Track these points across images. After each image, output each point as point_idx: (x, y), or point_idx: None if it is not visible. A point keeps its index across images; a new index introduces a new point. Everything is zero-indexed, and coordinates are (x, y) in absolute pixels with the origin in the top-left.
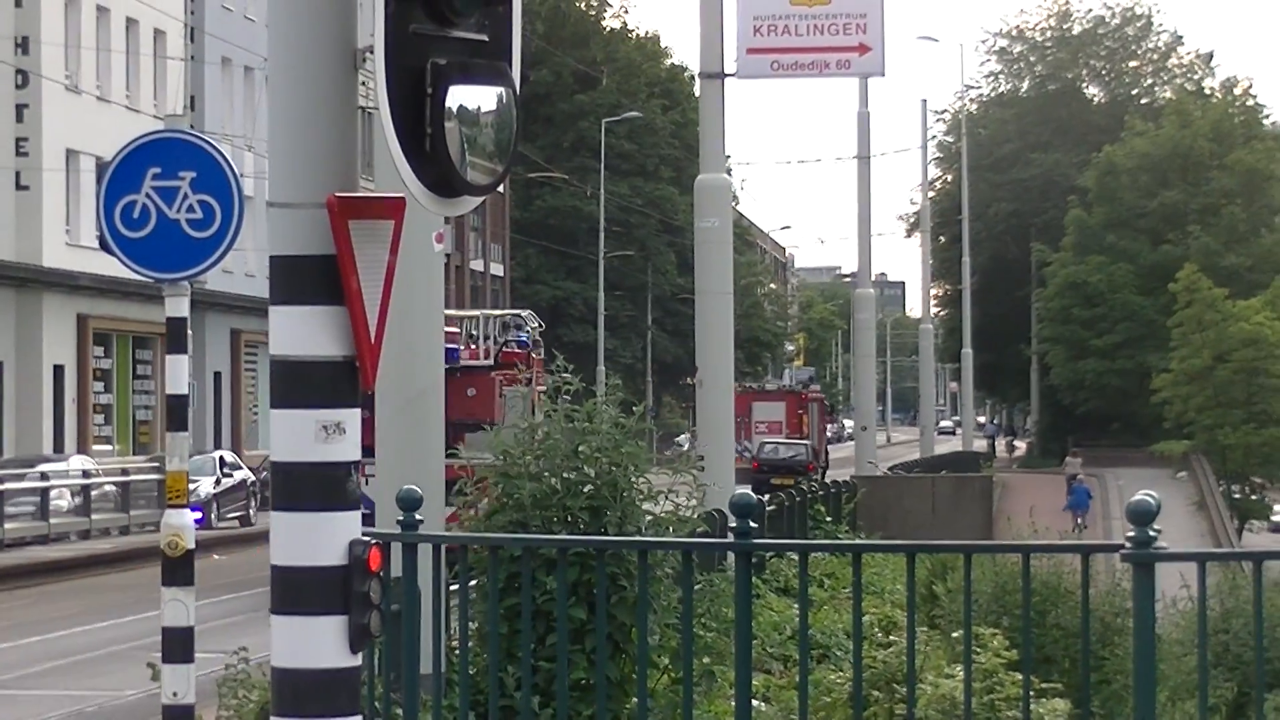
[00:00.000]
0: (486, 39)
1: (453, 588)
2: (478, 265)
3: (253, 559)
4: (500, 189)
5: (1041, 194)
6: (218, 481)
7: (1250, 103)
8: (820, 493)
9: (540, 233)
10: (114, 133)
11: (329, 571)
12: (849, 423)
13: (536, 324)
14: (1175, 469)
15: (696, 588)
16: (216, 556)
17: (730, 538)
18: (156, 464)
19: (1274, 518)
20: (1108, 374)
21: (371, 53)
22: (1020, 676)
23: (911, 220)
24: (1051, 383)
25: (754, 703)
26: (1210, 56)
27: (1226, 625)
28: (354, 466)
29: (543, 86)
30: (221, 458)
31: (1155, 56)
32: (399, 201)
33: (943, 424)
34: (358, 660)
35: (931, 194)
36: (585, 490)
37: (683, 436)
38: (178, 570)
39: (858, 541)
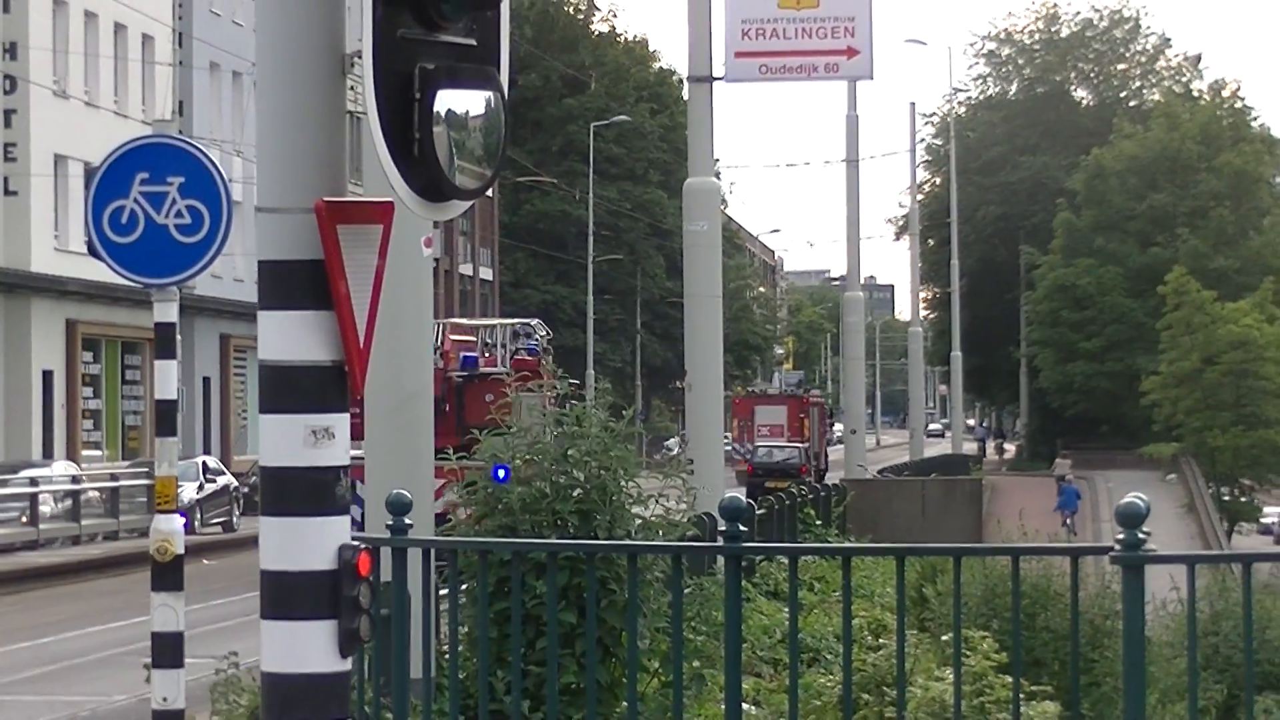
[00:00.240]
0: (474, 43)
1: (442, 592)
2: (467, 269)
3: (242, 563)
4: (489, 193)
5: (1030, 197)
6: (201, 487)
7: (1238, 105)
8: (810, 496)
9: (529, 237)
10: (102, 138)
11: (318, 576)
12: (839, 426)
13: (545, 332)
14: (1165, 471)
15: (686, 591)
16: (206, 561)
17: (720, 541)
18: (144, 469)
19: (1263, 520)
20: (1097, 376)
21: (360, 57)
22: (1010, 679)
23: (900, 223)
24: (1040, 385)
25: (744, 706)
26: (1198, 59)
27: (1216, 627)
28: (343, 471)
29: (531, 90)
30: (204, 463)
31: (1143, 59)
32: (387, 206)
33: (931, 427)
34: (347, 665)
35: (920, 197)
36: (575, 494)
37: (672, 440)
38: (167, 575)
39: (847, 545)
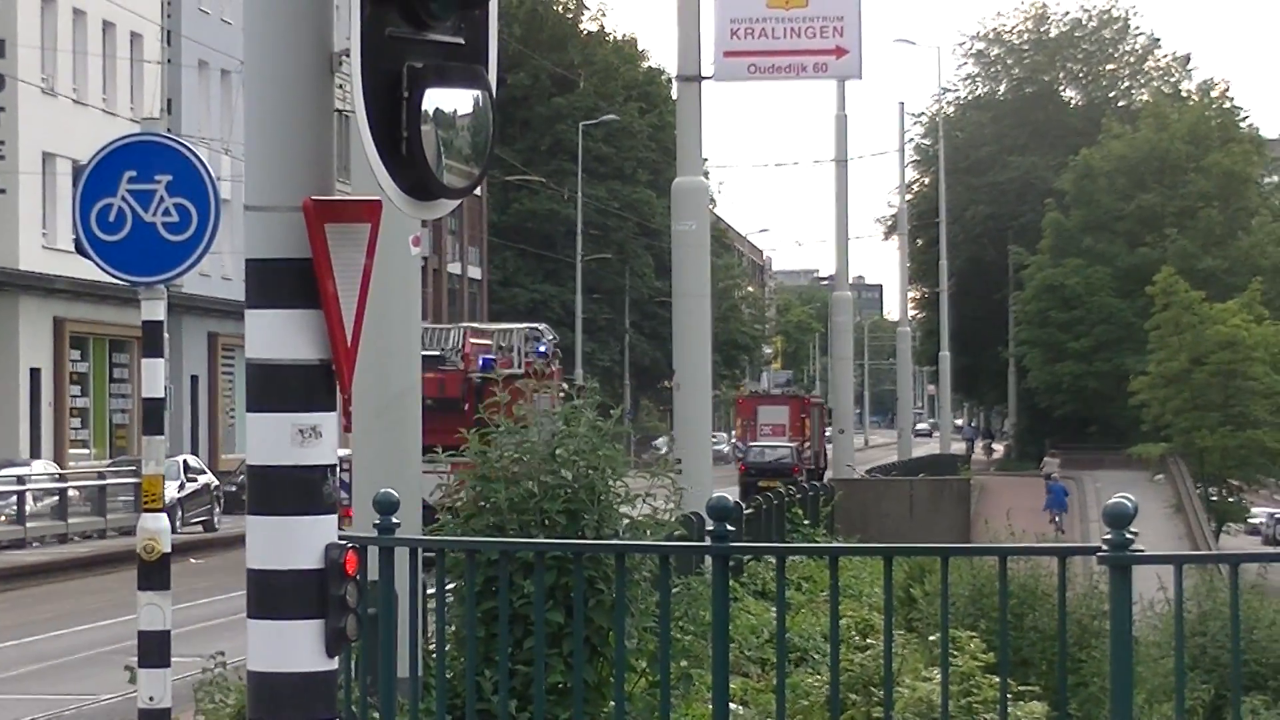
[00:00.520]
0: (463, 42)
1: (430, 591)
2: (455, 268)
3: (230, 562)
4: (477, 192)
5: (1019, 197)
6: (182, 486)
7: (1227, 105)
8: (799, 496)
9: (518, 236)
10: (90, 136)
11: (305, 575)
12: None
13: (552, 336)
14: (1153, 471)
15: (674, 591)
16: (194, 560)
17: (707, 541)
18: (129, 468)
19: (1251, 520)
20: (1085, 376)
21: (348, 56)
22: (998, 679)
23: (889, 223)
24: (1029, 385)
25: (731, 706)
26: (1187, 59)
27: (1204, 628)
28: (330, 470)
29: (520, 89)
30: (185, 462)
31: (1132, 59)
32: (375, 205)
33: (919, 426)
34: (334, 664)
35: (909, 197)
36: (563, 494)
37: (661, 439)
38: (154, 574)
39: (835, 544)
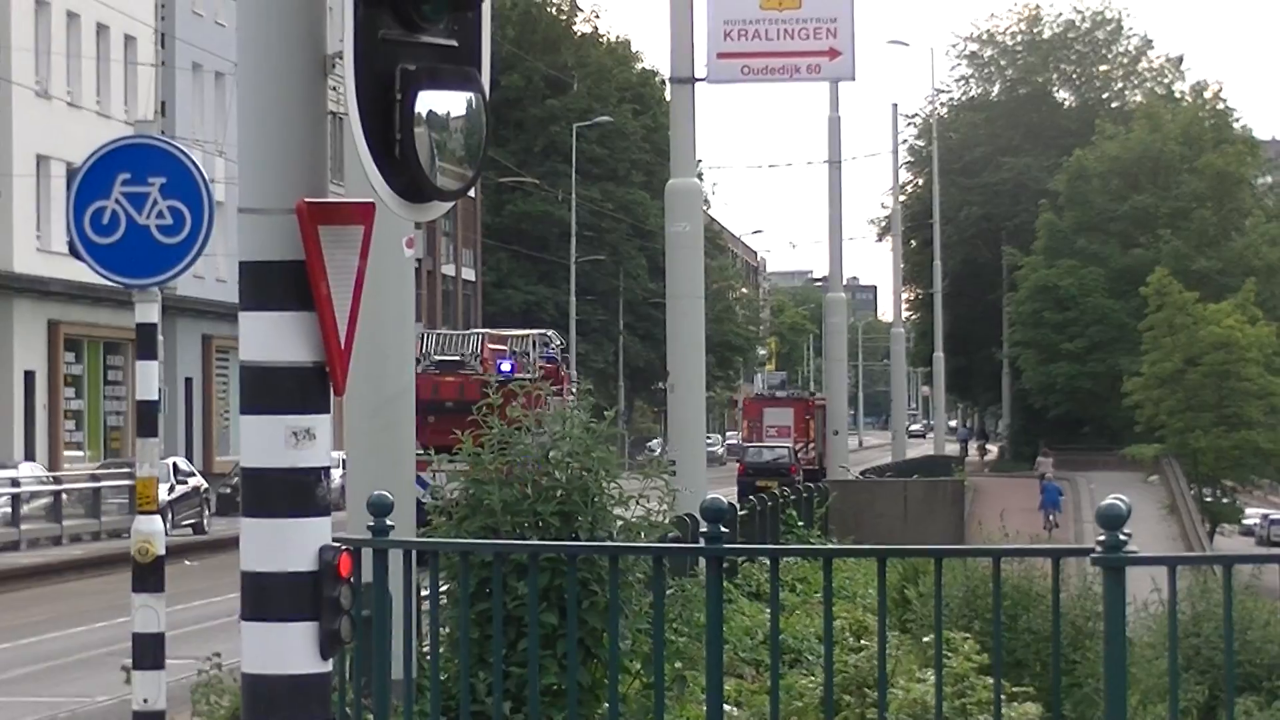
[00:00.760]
0: (456, 44)
1: (424, 593)
2: (449, 270)
3: (224, 564)
4: (471, 194)
5: (1012, 198)
6: (172, 489)
7: (1220, 106)
8: (793, 497)
9: (512, 237)
10: (84, 138)
11: (299, 577)
12: None
13: (560, 342)
14: (1147, 473)
15: (668, 593)
16: (188, 562)
17: (701, 543)
18: (123, 469)
19: (1245, 521)
20: (1079, 377)
21: (341, 58)
22: (991, 681)
23: (883, 224)
24: (1023, 386)
25: (725, 707)
26: (1180, 60)
27: (1197, 629)
28: (324, 472)
29: (513, 91)
30: (175, 464)
31: (1125, 60)
32: (369, 207)
33: (913, 428)
34: (328, 666)
35: (902, 198)
36: (556, 495)
37: (655, 441)
38: (148, 576)
39: (829, 546)
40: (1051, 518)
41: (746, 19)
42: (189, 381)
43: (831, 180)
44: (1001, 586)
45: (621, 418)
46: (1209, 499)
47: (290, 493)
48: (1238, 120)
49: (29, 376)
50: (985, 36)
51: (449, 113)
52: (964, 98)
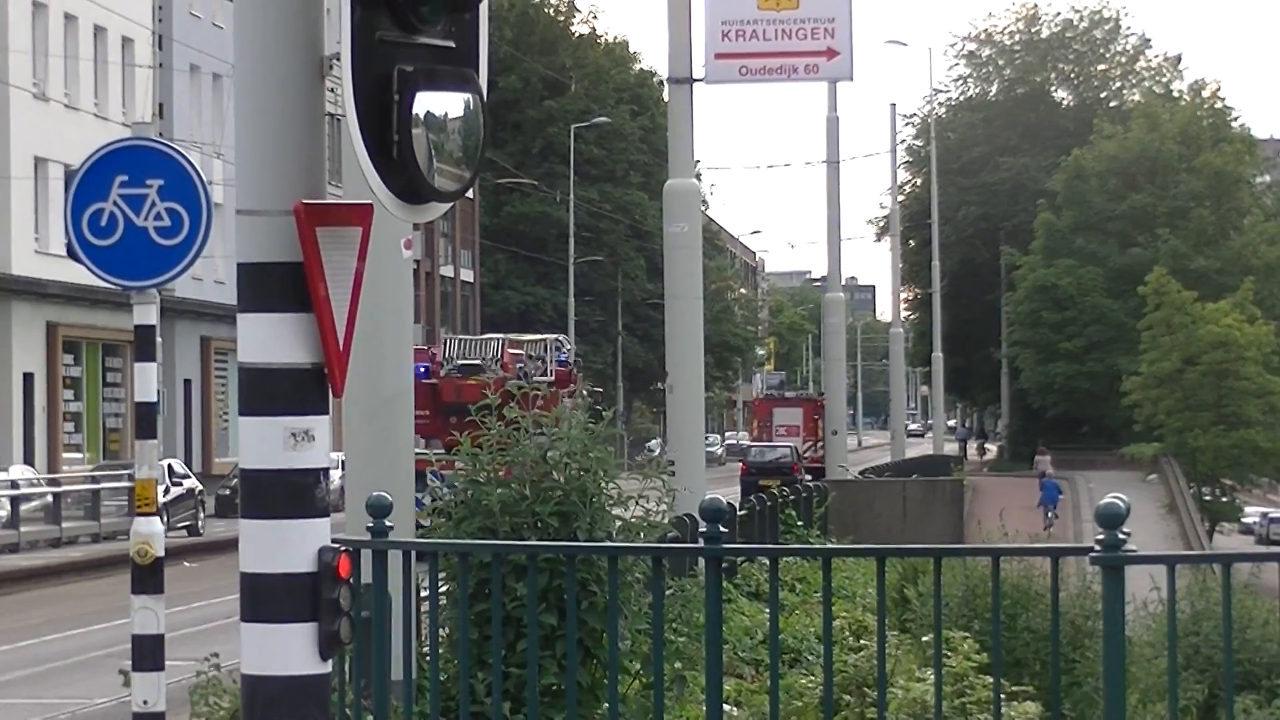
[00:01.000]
0: (453, 45)
1: (423, 594)
2: (447, 271)
3: (223, 565)
4: (469, 195)
5: (1010, 198)
6: (166, 491)
7: (1218, 105)
8: (792, 497)
9: (510, 238)
10: (82, 140)
11: (298, 578)
12: None
13: (570, 346)
14: (1146, 472)
15: (667, 593)
16: (188, 564)
17: (701, 543)
18: (120, 471)
19: (1244, 520)
20: (1077, 377)
21: (338, 60)
22: (991, 680)
23: (881, 224)
24: (1021, 386)
25: (725, 707)
26: (1178, 59)
27: (1197, 627)
28: (323, 474)
29: (511, 92)
30: (170, 466)
31: (1123, 60)
32: (366, 208)
33: (912, 427)
34: (328, 667)
35: (901, 198)
36: (555, 496)
37: (654, 442)
38: (147, 578)
39: (828, 546)
40: (1051, 514)
41: (744, 19)
42: (188, 383)
43: (830, 180)
44: (1001, 586)
45: (620, 418)
46: (1208, 498)
47: (289, 494)
48: (1236, 119)
49: (28, 378)
50: (983, 36)
51: (447, 114)
52: (962, 97)
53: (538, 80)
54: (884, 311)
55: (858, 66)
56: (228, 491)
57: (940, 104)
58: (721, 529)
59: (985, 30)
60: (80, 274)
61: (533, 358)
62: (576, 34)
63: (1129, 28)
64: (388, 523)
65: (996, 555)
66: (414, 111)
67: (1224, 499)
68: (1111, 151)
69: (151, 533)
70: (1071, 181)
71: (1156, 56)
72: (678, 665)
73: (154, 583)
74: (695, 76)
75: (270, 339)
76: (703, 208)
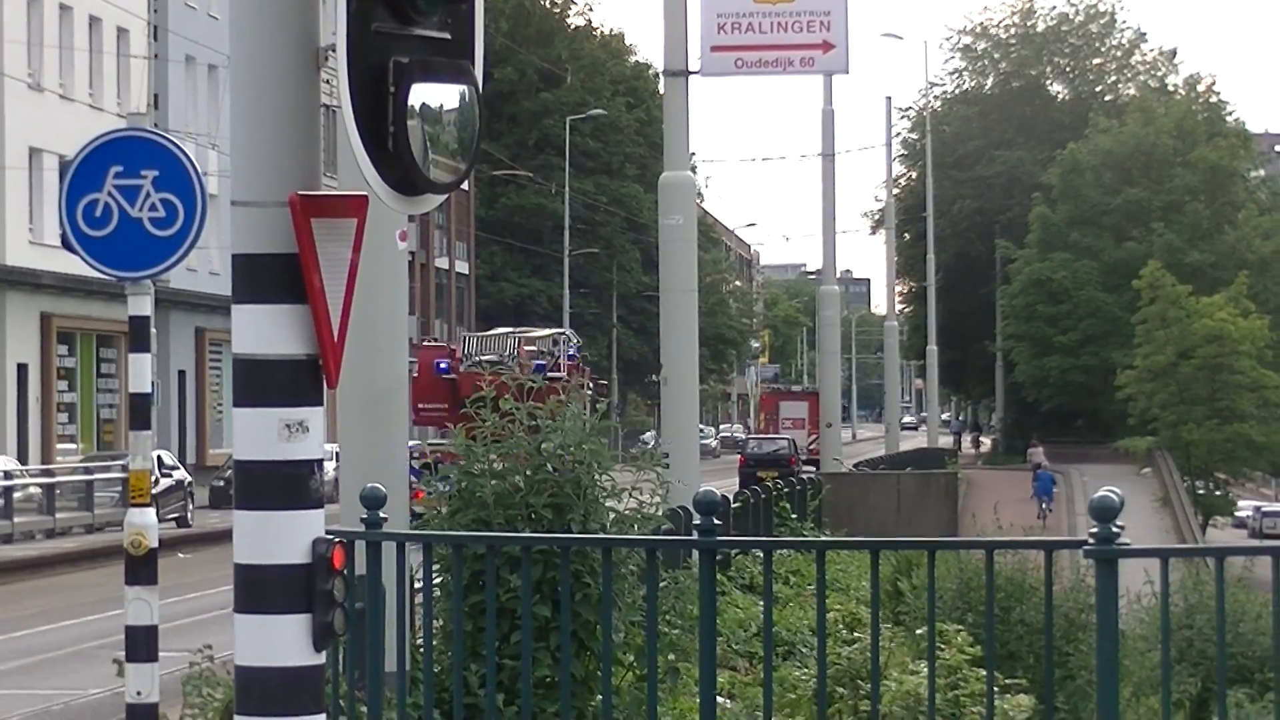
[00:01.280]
0: (449, 37)
1: (417, 585)
2: (443, 263)
3: (217, 556)
4: (464, 187)
5: (1006, 191)
6: (156, 482)
7: (1213, 100)
8: (786, 490)
9: (505, 230)
10: (77, 131)
11: (292, 570)
12: None
13: (577, 340)
14: (1140, 465)
15: (661, 585)
16: (182, 554)
17: (695, 535)
18: (112, 462)
19: (1238, 513)
20: (1072, 370)
21: (334, 51)
22: (984, 673)
23: (876, 217)
24: (1016, 379)
25: (719, 699)
26: (1174, 54)
27: (1190, 621)
28: (318, 465)
29: (507, 84)
30: (160, 457)
31: (1119, 54)
32: (361, 200)
33: (906, 420)
34: (321, 659)
35: (896, 191)
36: (548, 488)
37: (648, 434)
38: (141, 569)
39: (822, 538)
40: (1045, 507)
41: (740, 12)
42: (182, 374)
43: (825, 173)
44: (994, 579)
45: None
46: (1201, 491)
47: (283, 485)
48: (1231, 113)
49: (22, 369)
50: (979, 29)
51: (442, 106)
52: (957, 91)
53: (533, 72)
54: (879, 304)
55: (853, 59)
56: (222, 483)
57: (935, 97)
58: (715, 521)
59: (981, 24)
60: (75, 265)
61: (544, 353)
62: (572, 26)
63: (1124, 22)
64: (382, 514)
65: (990, 548)
66: (409, 103)
67: (1217, 493)
68: (1106, 145)
69: (145, 524)
70: (1066, 175)
71: (1152, 51)
72: (671, 657)
73: (148, 574)
74: (691, 69)
75: (265, 330)
76: (698, 200)
